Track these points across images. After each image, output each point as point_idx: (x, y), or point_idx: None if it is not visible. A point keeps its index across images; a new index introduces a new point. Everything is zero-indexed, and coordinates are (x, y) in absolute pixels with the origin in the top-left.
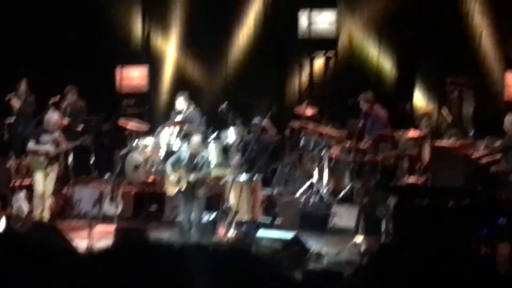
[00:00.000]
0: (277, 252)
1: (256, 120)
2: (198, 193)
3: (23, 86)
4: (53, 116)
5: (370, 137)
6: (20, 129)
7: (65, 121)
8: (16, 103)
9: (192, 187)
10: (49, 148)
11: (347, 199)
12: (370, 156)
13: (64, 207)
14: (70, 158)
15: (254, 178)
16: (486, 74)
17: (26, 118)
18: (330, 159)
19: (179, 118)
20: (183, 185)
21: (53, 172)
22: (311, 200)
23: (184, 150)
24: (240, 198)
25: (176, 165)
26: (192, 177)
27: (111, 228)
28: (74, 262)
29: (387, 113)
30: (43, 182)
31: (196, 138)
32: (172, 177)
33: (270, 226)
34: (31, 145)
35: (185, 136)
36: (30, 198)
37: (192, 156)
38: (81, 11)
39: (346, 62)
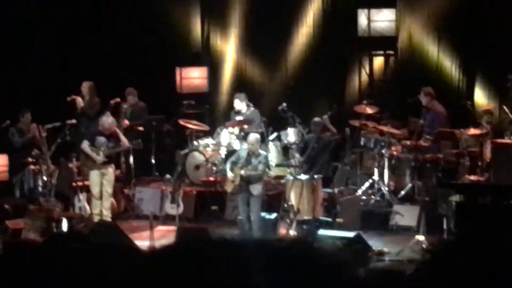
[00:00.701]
0: (340, 250)
1: (316, 119)
2: (252, 190)
3: (85, 88)
4: (107, 120)
5: (430, 134)
6: (82, 130)
7: (126, 122)
8: (80, 102)
9: (245, 183)
10: (97, 158)
11: (409, 198)
12: (431, 154)
13: (126, 208)
14: (131, 159)
15: (315, 177)
16: None
17: (89, 120)
18: (391, 157)
19: (239, 118)
20: (237, 181)
21: (109, 173)
22: (372, 199)
23: (243, 149)
24: (301, 197)
25: (235, 164)
26: (243, 171)
27: (173, 228)
28: (137, 260)
29: (446, 110)
30: (99, 182)
31: (253, 136)
32: (231, 175)
33: (331, 224)
34: (85, 145)
35: (245, 136)
36: (89, 198)
37: (250, 154)
38: (142, 13)
39: (406, 60)
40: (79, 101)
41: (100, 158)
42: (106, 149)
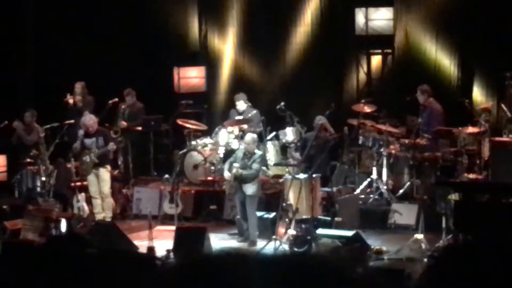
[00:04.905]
0: (338, 249)
1: (318, 116)
2: (246, 189)
3: (79, 88)
4: (85, 118)
5: (427, 132)
6: (79, 130)
7: (124, 122)
8: (77, 102)
9: (238, 182)
10: (87, 160)
11: (407, 196)
12: (429, 152)
13: (124, 208)
14: (130, 159)
15: (313, 176)
16: None
17: None
18: (389, 156)
19: (238, 117)
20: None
21: (102, 174)
22: (371, 198)
23: (240, 149)
24: (299, 196)
25: (233, 163)
26: (235, 171)
27: (172, 228)
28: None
29: (443, 108)
30: (96, 182)
31: (249, 136)
32: (228, 175)
33: (329, 223)
34: (75, 145)
35: (244, 136)
36: (89, 198)
37: (246, 153)
38: (139, 13)
39: (404, 58)
40: (76, 101)
41: (89, 160)
42: (96, 150)
